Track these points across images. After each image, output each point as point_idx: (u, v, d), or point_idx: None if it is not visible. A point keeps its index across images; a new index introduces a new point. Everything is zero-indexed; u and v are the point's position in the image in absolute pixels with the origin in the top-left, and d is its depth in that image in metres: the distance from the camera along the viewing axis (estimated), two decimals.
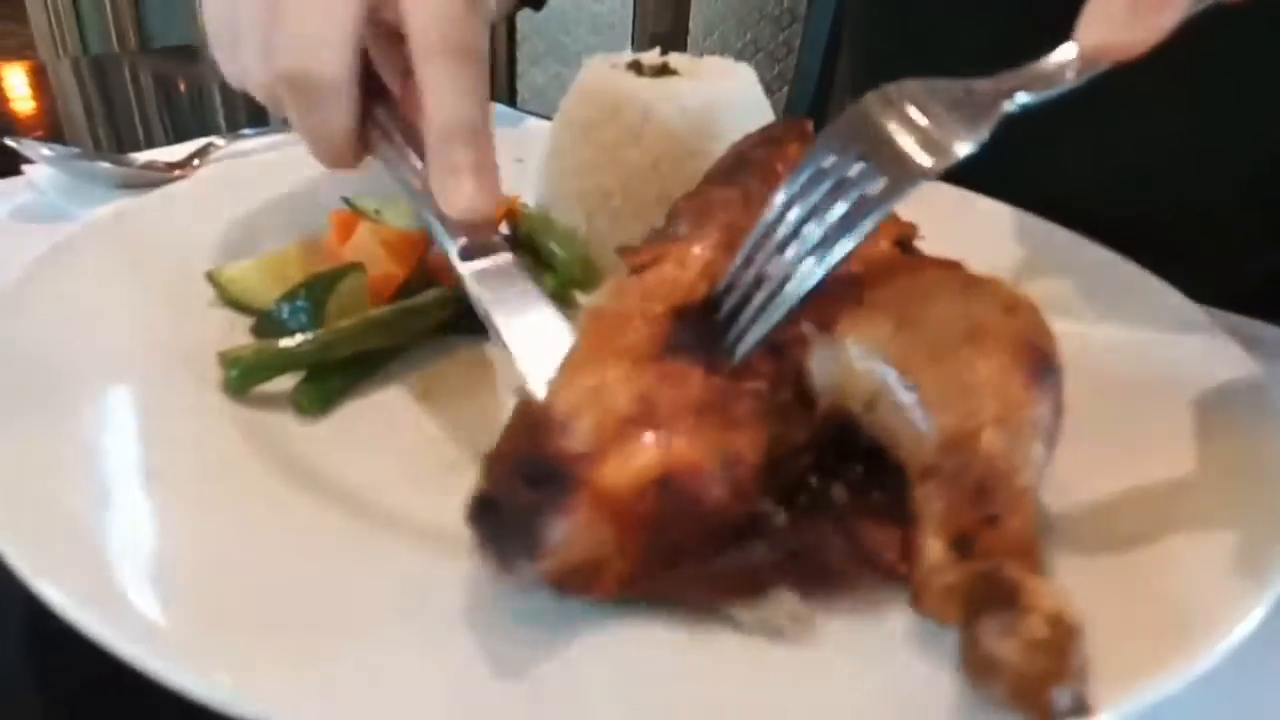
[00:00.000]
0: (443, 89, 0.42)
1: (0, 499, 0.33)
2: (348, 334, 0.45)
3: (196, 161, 0.76)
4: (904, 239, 0.46)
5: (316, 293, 0.48)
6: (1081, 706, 0.26)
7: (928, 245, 0.45)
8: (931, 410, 0.33)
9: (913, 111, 0.35)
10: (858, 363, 0.35)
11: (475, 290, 0.41)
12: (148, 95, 1.17)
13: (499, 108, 1.02)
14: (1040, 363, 0.34)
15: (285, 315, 0.48)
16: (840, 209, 0.34)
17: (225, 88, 1.18)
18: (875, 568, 0.33)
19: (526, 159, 0.65)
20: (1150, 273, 0.55)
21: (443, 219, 0.43)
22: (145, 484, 0.36)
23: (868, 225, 0.33)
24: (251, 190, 0.60)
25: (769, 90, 0.60)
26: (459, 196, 0.42)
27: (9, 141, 0.70)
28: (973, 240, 0.49)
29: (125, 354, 0.43)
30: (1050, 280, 0.55)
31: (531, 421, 0.32)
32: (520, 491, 0.30)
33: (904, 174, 0.33)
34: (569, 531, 0.30)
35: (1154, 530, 0.35)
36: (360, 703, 0.27)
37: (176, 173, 0.73)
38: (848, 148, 0.35)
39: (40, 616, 0.29)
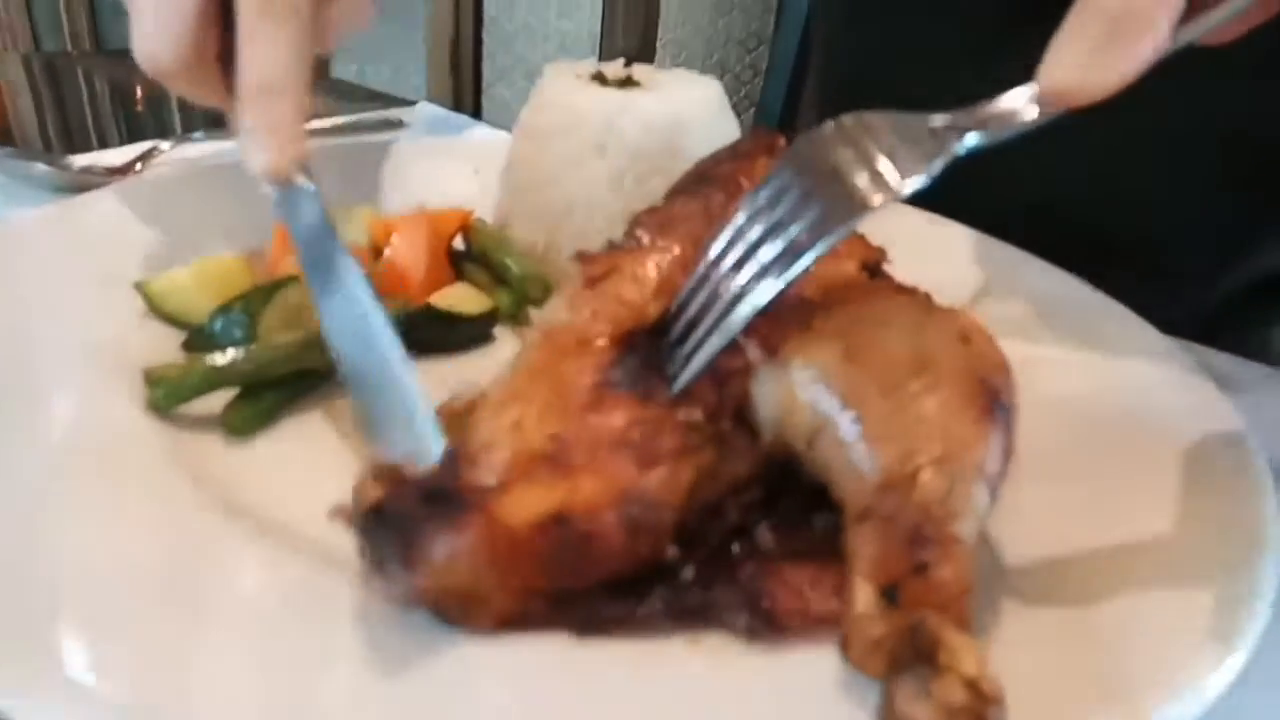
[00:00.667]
0: (253, 49, 0.42)
1: None
2: (284, 351, 0.42)
3: (139, 166, 0.73)
4: (871, 263, 0.44)
5: (253, 306, 0.46)
6: None
7: (894, 269, 0.44)
8: (873, 447, 0.31)
9: (867, 144, 0.34)
10: (801, 391, 0.34)
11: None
12: (100, 96, 1.13)
13: (462, 118, 1.01)
14: (991, 400, 0.32)
15: (219, 329, 0.45)
16: (785, 239, 0.33)
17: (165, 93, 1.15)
18: (777, 630, 0.31)
19: (484, 170, 0.62)
20: (1114, 300, 0.54)
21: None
22: (48, 494, 0.33)
23: (810, 257, 0.33)
24: (192, 197, 0.57)
25: (736, 112, 0.59)
26: (258, 153, 0.43)
27: None
28: (938, 265, 0.47)
29: (44, 366, 0.40)
30: (1013, 306, 0.54)
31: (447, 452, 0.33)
32: (413, 506, 0.29)
33: (850, 209, 0.33)
34: (452, 551, 0.29)
35: (1110, 580, 0.34)
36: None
37: (117, 177, 0.70)
38: (801, 176, 0.34)
39: None
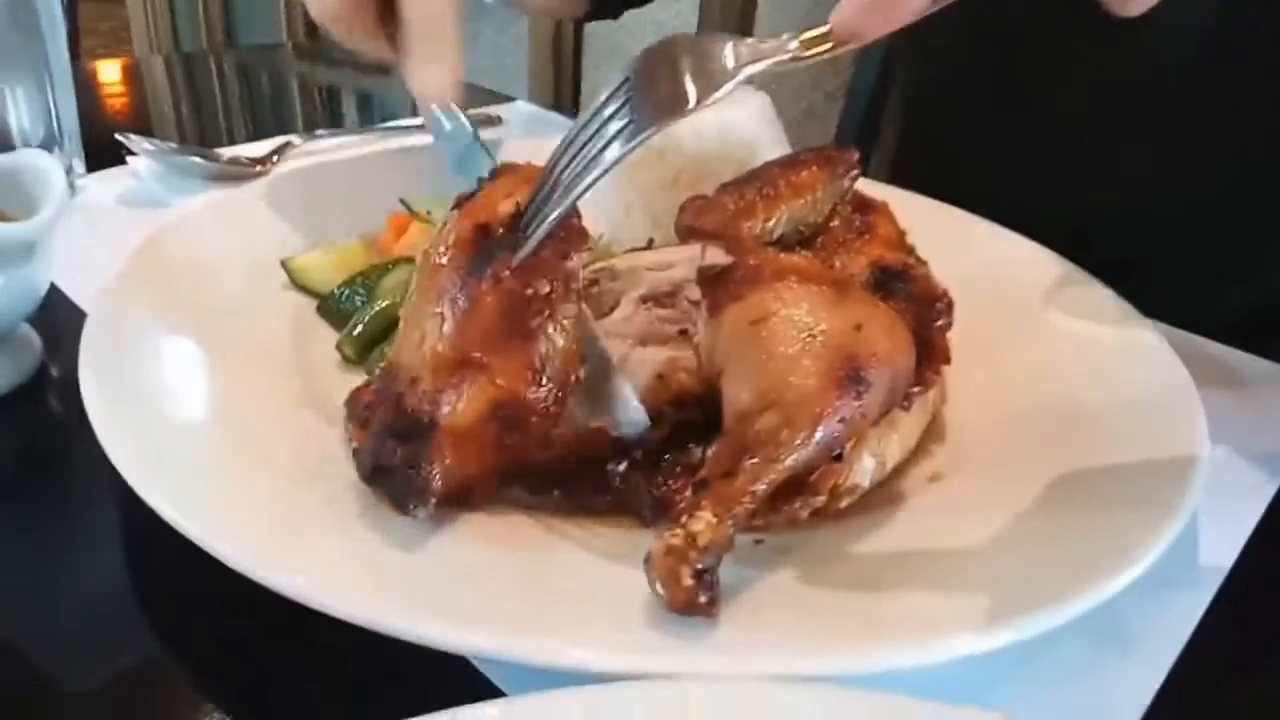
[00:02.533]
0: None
1: (114, 434, 0.41)
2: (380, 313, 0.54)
3: (276, 158, 0.86)
4: (882, 264, 0.52)
5: (370, 280, 0.57)
6: (705, 588, 0.34)
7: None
8: (745, 389, 0.41)
9: (680, 66, 0.39)
10: (721, 342, 0.43)
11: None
12: (232, 92, 1.28)
13: (555, 116, 1.10)
14: (850, 375, 0.40)
15: (344, 298, 0.57)
16: (604, 139, 0.39)
17: (303, 87, 1.29)
18: (662, 514, 0.41)
19: None
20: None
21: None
22: (218, 413, 0.46)
23: (619, 149, 0.39)
24: (322, 190, 0.69)
25: (832, 98, 0.67)
26: (422, 81, 0.55)
27: (118, 136, 0.80)
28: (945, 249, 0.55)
29: (213, 321, 0.52)
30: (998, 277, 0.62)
31: (385, 384, 0.42)
32: (395, 450, 0.39)
33: (653, 120, 0.38)
34: (442, 470, 0.39)
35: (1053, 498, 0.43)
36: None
37: (259, 168, 0.83)
38: (629, 90, 0.40)
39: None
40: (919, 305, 0.49)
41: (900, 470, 0.47)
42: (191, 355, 0.49)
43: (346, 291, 0.57)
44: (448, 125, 0.62)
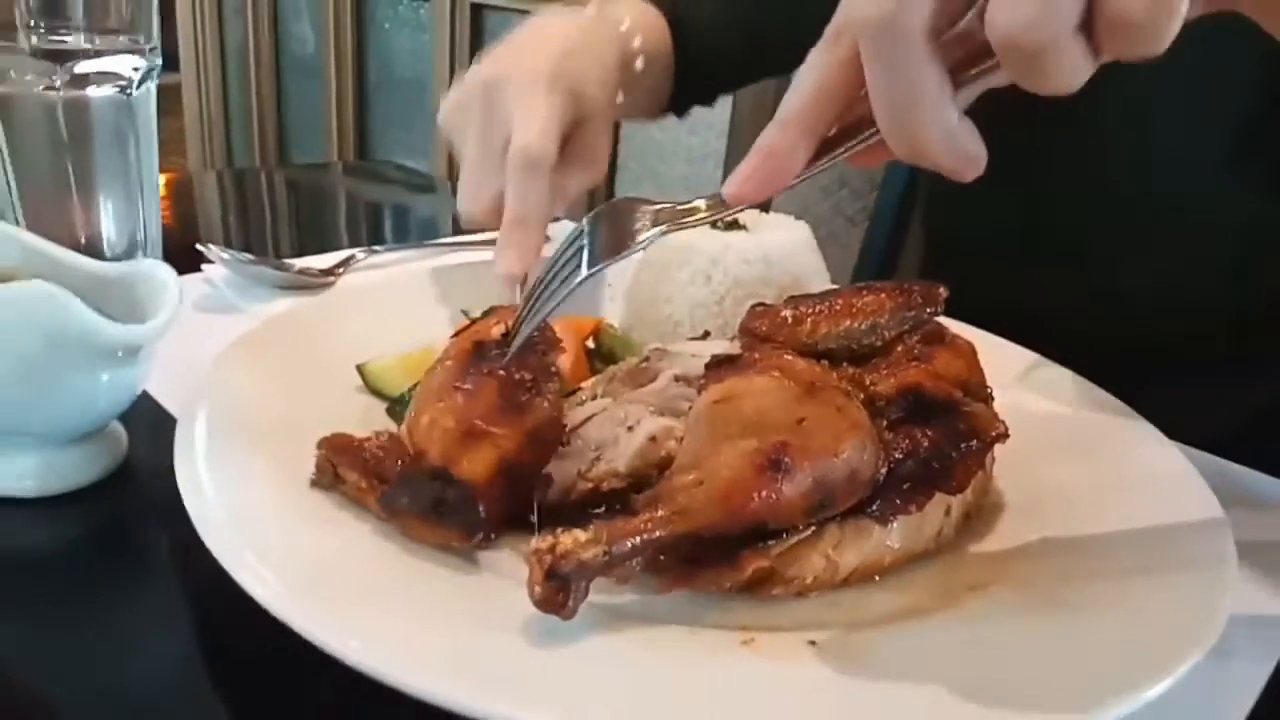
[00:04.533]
0: (511, 191, 0.66)
1: (206, 518, 0.45)
2: None
3: (341, 269, 0.91)
4: (917, 391, 0.55)
5: None
6: (563, 592, 0.40)
7: None
8: (681, 454, 0.48)
9: (619, 221, 0.50)
10: (692, 414, 0.51)
11: None
12: (282, 206, 1.37)
13: None
14: (771, 461, 0.44)
15: (411, 400, 0.60)
16: (571, 267, 0.50)
17: (350, 203, 1.37)
18: None
19: (615, 286, 0.77)
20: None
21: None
22: (300, 504, 0.49)
23: (579, 279, 0.49)
24: (390, 301, 0.74)
25: (853, 222, 0.73)
26: (502, 262, 0.66)
27: (199, 246, 0.86)
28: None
29: (292, 420, 0.56)
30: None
31: (392, 446, 0.52)
32: (435, 486, 0.47)
33: (598, 259, 0.49)
34: (467, 499, 0.47)
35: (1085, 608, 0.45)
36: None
37: (327, 279, 0.88)
38: (579, 240, 0.51)
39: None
40: (957, 436, 0.52)
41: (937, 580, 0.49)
42: (273, 451, 0.53)
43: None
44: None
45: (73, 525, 0.55)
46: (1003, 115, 0.42)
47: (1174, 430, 0.62)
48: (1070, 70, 0.35)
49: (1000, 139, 0.41)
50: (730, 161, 2.60)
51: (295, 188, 1.45)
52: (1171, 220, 0.80)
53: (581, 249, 0.50)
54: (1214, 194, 0.78)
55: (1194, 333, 0.79)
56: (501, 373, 0.52)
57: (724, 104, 2.08)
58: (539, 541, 0.41)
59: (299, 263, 0.92)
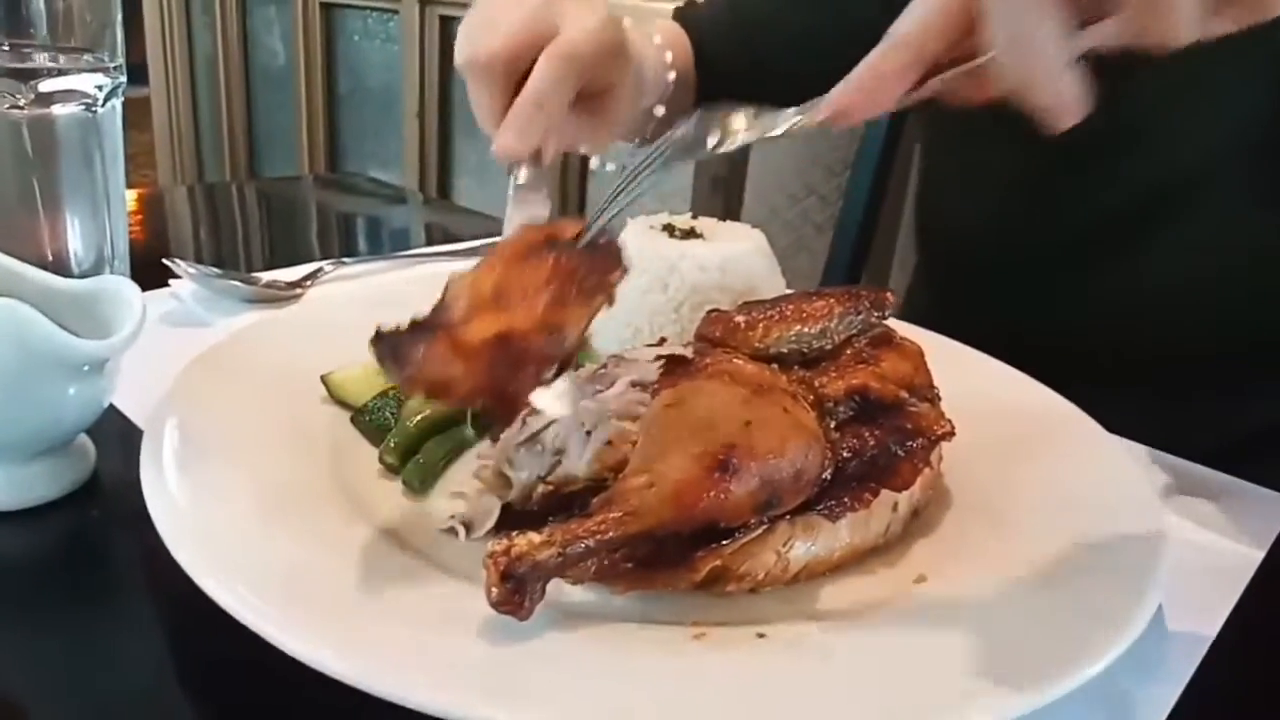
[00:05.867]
0: (537, 73, 0.60)
1: (172, 528, 0.46)
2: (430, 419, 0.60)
3: (309, 282, 0.92)
4: (863, 392, 0.57)
5: (401, 394, 0.62)
6: (519, 593, 0.42)
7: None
8: (635, 455, 0.49)
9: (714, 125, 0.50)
10: (645, 418, 0.52)
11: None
12: (253, 219, 1.38)
13: None
14: (719, 462, 0.46)
15: (376, 409, 0.62)
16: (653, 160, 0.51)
17: (322, 216, 1.38)
18: None
19: None
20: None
21: None
22: (267, 513, 0.50)
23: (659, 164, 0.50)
24: (356, 312, 0.74)
25: (821, 230, 0.75)
26: (501, 138, 0.60)
27: (166, 261, 0.87)
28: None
29: (258, 429, 0.57)
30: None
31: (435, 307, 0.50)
32: (404, 334, 0.47)
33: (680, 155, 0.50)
34: (425, 354, 0.45)
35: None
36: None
37: (295, 291, 0.89)
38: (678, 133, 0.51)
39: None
40: (903, 435, 0.54)
41: (886, 574, 0.51)
42: (239, 461, 0.54)
43: (378, 404, 0.62)
44: (525, 201, 0.62)
45: (41, 537, 0.55)
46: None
47: (1175, 443, 0.65)
48: (1185, 21, 0.36)
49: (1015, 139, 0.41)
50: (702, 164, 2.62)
51: (266, 201, 1.46)
52: (1178, 229, 0.81)
53: (671, 145, 0.50)
54: (1223, 201, 0.78)
55: (1195, 344, 0.81)
56: (566, 258, 0.49)
57: None
58: (494, 544, 0.43)
59: (266, 276, 0.93)
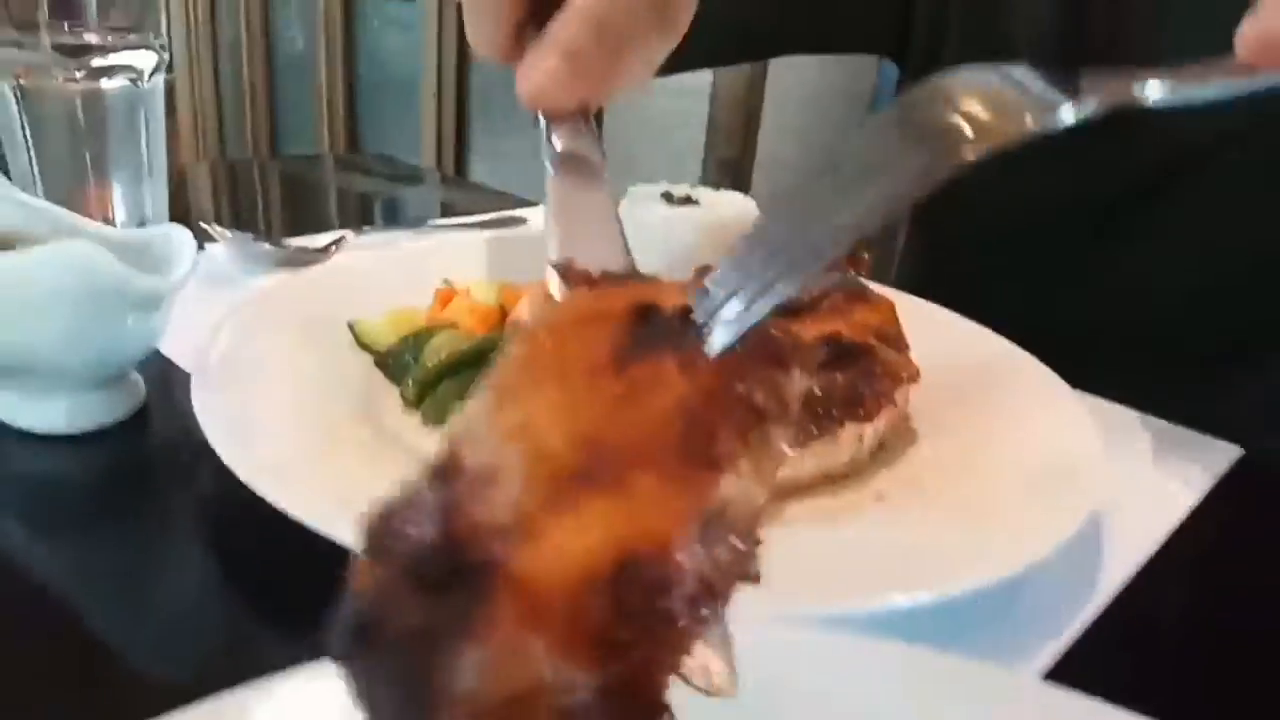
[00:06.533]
0: (567, 12, 0.40)
1: (223, 439, 0.53)
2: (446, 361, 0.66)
3: (334, 248, 0.99)
4: (835, 339, 0.63)
5: (422, 340, 0.69)
6: None
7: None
8: None
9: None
10: None
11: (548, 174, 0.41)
12: (274, 195, 1.45)
13: None
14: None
15: (398, 353, 0.69)
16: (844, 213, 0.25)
17: (343, 191, 1.45)
18: None
19: None
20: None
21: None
22: (305, 432, 0.56)
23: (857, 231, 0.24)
24: (380, 272, 0.82)
25: None
26: (531, 69, 0.39)
27: (202, 224, 0.94)
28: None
29: (295, 369, 0.64)
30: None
31: (434, 485, 0.22)
32: (411, 606, 0.20)
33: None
34: (481, 665, 0.19)
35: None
36: None
37: (322, 255, 0.96)
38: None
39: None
40: (871, 377, 0.60)
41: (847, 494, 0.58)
42: (278, 387, 0.61)
43: (400, 349, 0.69)
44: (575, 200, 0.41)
45: (99, 458, 0.62)
46: None
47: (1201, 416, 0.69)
48: None
49: None
50: (712, 128, 2.66)
51: (287, 177, 1.53)
52: (1203, 195, 0.79)
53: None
54: (1249, 168, 0.77)
55: (1218, 318, 0.81)
56: (706, 370, 0.24)
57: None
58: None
59: (295, 242, 1.00)
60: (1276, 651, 0.53)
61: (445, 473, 0.22)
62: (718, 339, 0.25)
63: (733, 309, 0.25)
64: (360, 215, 1.38)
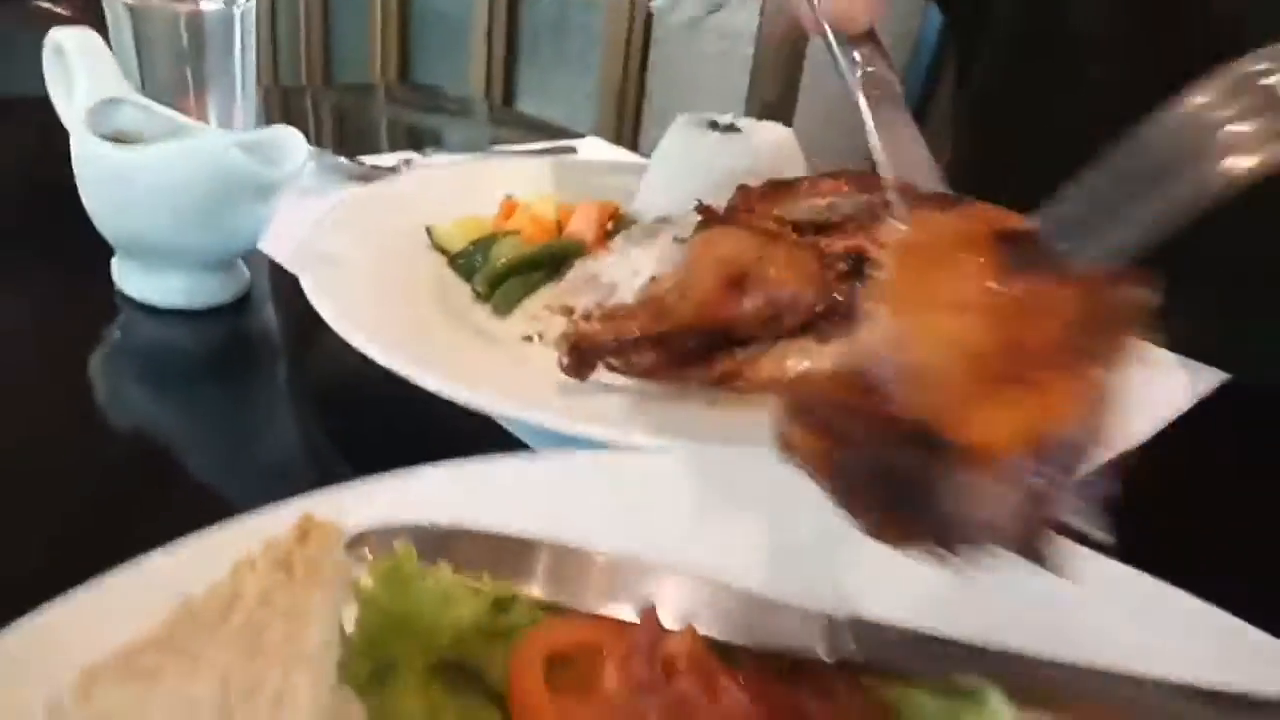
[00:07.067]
0: None
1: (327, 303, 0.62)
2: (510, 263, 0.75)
3: (404, 166, 1.08)
4: (859, 252, 0.72)
5: (489, 244, 0.78)
6: (577, 363, 0.57)
7: None
8: (672, 279, 0.63)
9: None
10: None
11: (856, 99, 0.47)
12: (334, 120, 1.53)
13: (619, 149, 1.32)
14: (734, 280, 0.61)
15: (469, 254, 0.78)
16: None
17: (394, 120, 1.53)
18: None
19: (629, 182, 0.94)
20: None
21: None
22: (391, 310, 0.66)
23: None
24: (451, 185, 0.91)
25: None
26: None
27: None
28: None
29: (379, 261, 0.74)
30: None
31: (871, 373, 0.28)
32: (905, 453, 0.26)
33: None
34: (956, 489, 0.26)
35: None
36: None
37: (390, 172, 1.05)
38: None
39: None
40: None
41: None
42: (366, 278, 0.71)
43: (471, 251, 0.78)
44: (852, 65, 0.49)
45: (212, 332, 0.73)
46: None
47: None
48: None
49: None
50: (757, 69, 2.70)
51: (342, 105, 1.61)
52: None
53: None
54: None
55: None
56: (1093, 283, 0.28)
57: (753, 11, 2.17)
58: (566, 328, 0.58)
59: (367, 160, 1.09)
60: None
61: (876, 364, 0.28)
62: (1085, 257, 0.28)
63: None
64: (415, 142, 1.46)
